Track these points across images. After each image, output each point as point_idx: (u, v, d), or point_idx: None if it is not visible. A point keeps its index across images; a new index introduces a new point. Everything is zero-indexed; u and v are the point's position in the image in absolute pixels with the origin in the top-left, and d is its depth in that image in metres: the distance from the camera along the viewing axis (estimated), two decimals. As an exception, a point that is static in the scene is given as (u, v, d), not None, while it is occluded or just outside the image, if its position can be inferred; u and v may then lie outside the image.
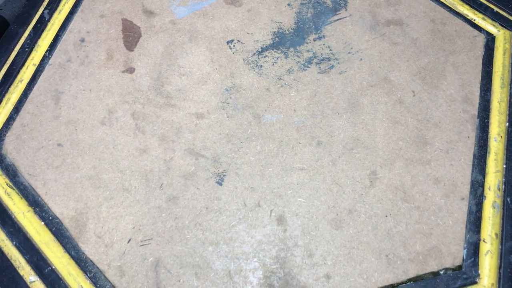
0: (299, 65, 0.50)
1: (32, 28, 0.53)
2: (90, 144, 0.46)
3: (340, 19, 0.52)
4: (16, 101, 0.48)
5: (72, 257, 0.41)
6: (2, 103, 0.48)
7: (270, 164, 0.45)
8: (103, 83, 0.49)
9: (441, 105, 0.48)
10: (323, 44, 0.51)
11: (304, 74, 0.49)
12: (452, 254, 0.41)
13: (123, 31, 0.51)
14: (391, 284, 0.39)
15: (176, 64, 0.50)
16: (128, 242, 0.41)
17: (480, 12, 0.55)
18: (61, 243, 0.41)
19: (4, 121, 0.47)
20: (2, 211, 0.43)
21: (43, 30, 0.53)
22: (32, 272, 0.40)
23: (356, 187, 0.43)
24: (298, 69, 0.50)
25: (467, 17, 0.54)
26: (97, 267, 0.40)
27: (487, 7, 0.55)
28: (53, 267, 0.40)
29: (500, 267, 0.40)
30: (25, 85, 0.49)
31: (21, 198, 0.43)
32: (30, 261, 0.41)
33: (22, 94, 0.49)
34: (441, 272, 0.40)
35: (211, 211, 0.42)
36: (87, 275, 0.40)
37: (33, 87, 0.49)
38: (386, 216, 0.42)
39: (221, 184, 0.44)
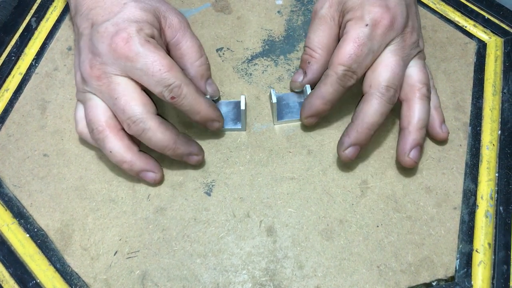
0: (290, 73, 0.50)
1: (19, 36, 0.52)
2: (76, 154, 0.45)
3: (331, 26, 0.51)
4: (1, 111, 0.47)
5: (58, 270, 0.40)
6: (-13, 112, 0.47)
7: (260, 174, 0.44)
8: (91, 92, 0.48)
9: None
10: (314, 52, 0.50)
11: (294, 82, 0.49)
12: (445, 265, 0.40)
13: (111, 39, 0.50)
14: (383, 296, 0.39)
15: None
16: (115, 254, 0.40)
17: (471, 19, 0.54)
18: (46, 256, 0.41)
19: (-11, 131, 0.46)
20: (-15, 224, 0.42)
21: (30, 39, 0.52)
22: (16, 286, 0.39)
23: (347, 197, 0.43)
24: (289, 77, 0.50)
25: (458, 24, 0.54)
26: (83, 280, 0.39)
27: (478, 14, 0.55)
28: (38, 281, 0.39)
29: (493, 278, 0.40)
30: (11, 95, 0.48)
31: (6, 210, 0.42)
32: (14, 275, 0.40)
33: (7, 103, 0.48)
34: (434, 283, 0.39)
35: (200, 222, 0.42)
36: (72, 289, 0.39)
37: (19, 96, 0.48)
38: (378, 226, 0.42)
39: (209, 195, 0.43)
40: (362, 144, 0.42)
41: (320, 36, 0.44)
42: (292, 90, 0.48)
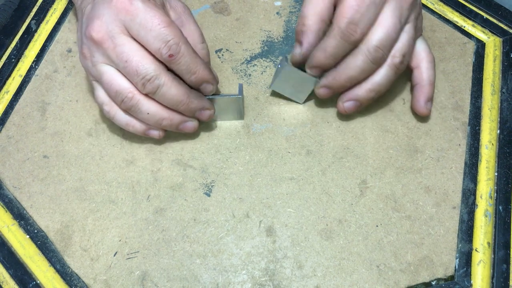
0: (288, 73, 0.50)
1: (19, 38, 0.52)
2: (76, 156, 0.45)
3: (329, 27, 0.52)
4: (1, 113, 0.48)
5: (58, 271, 0.40)
6: (-13, 114, 0.47)
7: (259, 174, 0.44)
8: (90, 94, 0.48)
9: (432, 112, 0.48)
10: (312, 52, 0.50)
11: (293, 82, 0.49)
12: (444, 264, 0.40)
13: (110, 41, 0.51)
14: (382, 296, 0.39)
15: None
16: (114, 255, 0.40)
17: (470, 19, 0.55)
18: (46, 257, 0.41)
19: (-11, 133, 0.46)
20: (-14, 225, 0.42)
21: (30, 41, 0.52)
22: (16, 287, 0.40)
23: (346, 197, 0.43)
24: (287, 78, 0.50)
25: (456, 24, 0.54)
26: (83, 281, 0.39)
27: (477, 14, 0.55)
28: (38, 282, 0.40)
29: (493, 277, 0.40)
30: (11, 96, 0.49)
31: (6, 211, 0.43)
32: (14, 276, 0.40)
33: (8, 105, 0.48)
34: (433, 283, 0.39)
35: (199, 223, 0.42)
36: (72, 290, 0.39)
37: (19, 98, 0.48)
38: (377, 226, 0.42)
39: (209, 195, 0.43)
40: (334, 90, 0.44)
41: (313, 4, 0.44)
42: (294, 64, 0.47)
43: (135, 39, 0.39)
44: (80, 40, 0.42)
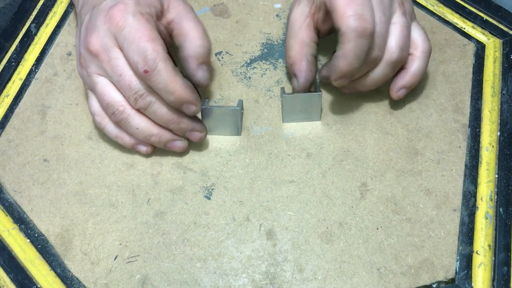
0: (288, 76, 0.50)
1: (19, 42, 0.52)
2: (76, 159, 0.45)
3: (329, 29, 0.52)
4: (1, 117, 0.48)
5: (58, 275, 0.40)
6: (-13, 118, 0.48)
7: (259, 177, 0.44)
8: (90, 97, 0.48)
9: (432, 114, 0.48)
10: (312, 55, 0.50)
11: (293, 85, 0.49)
12: (445, 267, 0.40)
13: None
14: (383, 299, 0.39)
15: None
16: (115, 259, 0.40)
17: (469, 20, 0.54)
18: (46, 261, 0.41)
19: (-10, 137, 0.46)
20: (-14, 229, 0.42)
21: (29, 44, 0.52)
22: (16, 291, 0.39)
23: (346, 200, 0.43)
24: (287, 81, 0.50)
25: (456, 25, 0.54)
26: (83, 285, 0.39)
27: (477, 15, 0.55)
28: (39, 286, 0.40)
29: (493, 280, 0.40)
30: (11, 100, 0.49)
31: (6, 215, 0.43)
32: (14, 280, 0.40)
33: (8, 109, 0.48)
34: (434, 286, 0.39)
35: (199, 226, 0.42)
36: (72, 294, 0.39)
37: (19, 101, 0.48)
38: (377, 228, 0.41)
39: (209, 198, 0.43)
40: (346, 75, 0.41)
41: (293, 36, 0.44)
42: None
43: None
44: (78, 49, 0.42)
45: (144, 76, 0.38)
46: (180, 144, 0.43)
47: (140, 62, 0.37)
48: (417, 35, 0.44)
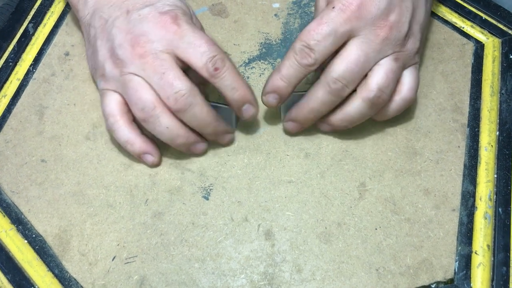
0: (287, 76, 0.50)
1: (16, 42, 0.52)
2: (74, 160, 0.45)
3: (328, 29, 0.51)
4: (-1, 117, 0.48)
5: (56, 276, 0.40)
6: (-15, 119, 0.47)
7: (258, 177, 0.44)
8: (88, 97, 0.48)
9: (431, 114, 0.47)
10: (311, 55, 0.50)
11: (292, 85, 0.49)
12: (444, 267, 0.40)
13: (108, 44, 0.50)
14: (382, 299, 0.39)
15: (162, 76, 0.49)
16: (113, 259, 0.40)
17: (468, 20, 0.54)
18: (44, 262, 0.40)
19: (-13, 137, 0.46)
20: (-17, 230, 0.42)
21: (27, 44, 0.52)
22: (14, 292, 0.39)
23: (345, 200, 0.43)
24: (286, 80, 0.49)
25: (455, 25, 0.54)
26: (81, 286, 0.39)
27: (476, 14, 0.55)
28: (36, 287, 0.39)
29: (492, 280, 0.40)
30: (8, 100, 0.48)
31: (4, 216, 0.42)
32: (12, 281, 0.40)
33: (5, 109, 0.48)
34: (433, 286, 0.39)
35: (198, 227, 0.41)
36: (70, 295, 0.39)
37: (17, 102, 0.48)
38: (376, 229, 0.41)
39: (207, 199, 0.43)
40: (301, 123, 0.44)
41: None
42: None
43: (176, 56, 0.40)
44: (105, 55, 0.42)
45: (213, 74, 0.39)
46: (203, 146, 0.44)
47: (210, 62, 0.39)
48: (406, 81, 0.43)
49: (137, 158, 0.44)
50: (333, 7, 0.40)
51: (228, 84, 0.40)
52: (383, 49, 0.41)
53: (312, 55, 0.40)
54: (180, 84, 0.39)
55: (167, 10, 0.40)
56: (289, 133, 0.46)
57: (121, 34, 0.41)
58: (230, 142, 0.45)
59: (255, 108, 0.42)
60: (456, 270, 0.40)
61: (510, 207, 0.43)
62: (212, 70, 0.39)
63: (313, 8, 0.54)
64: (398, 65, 0.42)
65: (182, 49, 0.39)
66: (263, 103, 0.44)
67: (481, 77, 0.50)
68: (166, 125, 0.40)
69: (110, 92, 0.42)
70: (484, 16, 0.54)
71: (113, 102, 0.42)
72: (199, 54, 0.39)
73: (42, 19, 0.54)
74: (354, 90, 0.42)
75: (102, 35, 0.42)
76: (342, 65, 0.40)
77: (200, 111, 0.40)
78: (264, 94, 0.43)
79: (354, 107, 0.42)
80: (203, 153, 0.45)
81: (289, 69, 0.41)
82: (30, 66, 0.51)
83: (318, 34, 0.39)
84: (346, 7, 0.40)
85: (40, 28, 0.53)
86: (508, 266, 0.40)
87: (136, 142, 0.42)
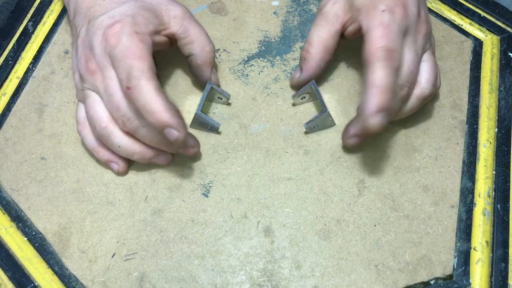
0: (286, 73, 0.50)
1: (16, 40, 0.52)
2: (74, 157, 0.45)
3: (326, 26, 0.52)
4: (-1, 115, 0.48)
5: (56, 273, 0.40)
6: (-16, 117, 0.47)
7: (257, 174, 0.44)
8: (87, 95, 0.48)
9: (429, 111, 0.48)
10: (310, 52, 0.50)
11: (291, 82, 0.49)
12: (443, 263, 0.40)
13: (107, 42, 0.50)
14: (381, 295, 0.39)
15: (162, 75, 0.49)
16: (112, 256, 0.40)
17: (467, 17, 0.54)
18: (44, 259, 0.41)
19: (-13, 135, 0.46)
20: (-17, 227, 0.42)
21: (27, 43, 0.52)
22: (14, 289, 0.39)
23: (344, 196, 0.43)
24: (285, 78, 0.50)
25: (454, 22, 0.54)
26: (81, 283, 0.39)
27: (474, 12, 0.55)
28: (36, 284, 0.40)
29: (491, 276, 0.40)
30: (8, 98, 0.49)
31: (4, 213, 0.42)
32: (12, 278, 0.40)
33: (5, 107, 0.48)
34: (432, 282, 0.39)
35: (197, 224, 0.42)
36: (70, 292, 0.39)
37: (17, 100, 0.48)
38: (375, 225, 0.41)
39: (207, 196, 0.43)
40: (369, 136, 0.42)
41: (319, 31, 0.44)
42: (292, 88, 0.48)
43: None
44: (75, 62, 0.42)
45: (126, 93, 0.37)
46: (164, 158, 0.43)
47: (124, 78, 0.37)
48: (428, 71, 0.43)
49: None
50: (383, 10, 0.39)
51: (141, 106, 0.36)
52: (425, 45, 0.42)
53: (396, 55, 0.38)
54: (125, 107, 0.38)
55: (116, 20, 0.39)
56: (350, 147, 0.44)
57: (81, 46, 0.41)
58: (196, 154, 0.43)
59: (178, 132, 0.37)
60: (455, 266, 0.40)
61: (509, 204, 0.43)
62: (125, 88, 0.37)
63: (312, 6, 0.54)
64: (434, 58, 0.44)
65: (112, 61, 0.38)
66: (369, 126, 0.37)
67: (480, 74, 0.50)
68: (118, 144, 0.40)
69: (79, 102, 0.43)
70: (482, 13, 0.55)
71: (81, 111, 0.43)
72: (119, 68, 0.37)
73: (41, 17, 0.54)
74: None
75: (74, 45, 0.43)
76: (404, 70, 0.39)
77: (149, 132, 0.39)
78: (371, 115, 0.37)
79: (409, 106, 0.42)
80: (168, 164, 0.44)
81: (386, 78, 0.37)
82: (30, 64, 0.51)
83: (391, 34, 0.38)
84: (393, 8, 0.39)
85: (39, 27, 0.53)
86: (506, 262, 0.40)
87: (100, 150, 0.42)
